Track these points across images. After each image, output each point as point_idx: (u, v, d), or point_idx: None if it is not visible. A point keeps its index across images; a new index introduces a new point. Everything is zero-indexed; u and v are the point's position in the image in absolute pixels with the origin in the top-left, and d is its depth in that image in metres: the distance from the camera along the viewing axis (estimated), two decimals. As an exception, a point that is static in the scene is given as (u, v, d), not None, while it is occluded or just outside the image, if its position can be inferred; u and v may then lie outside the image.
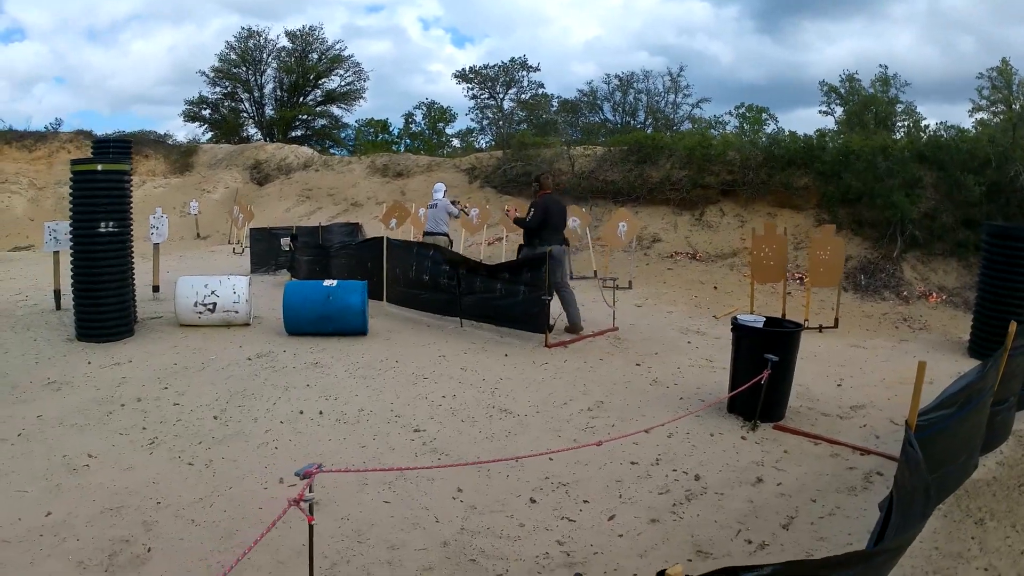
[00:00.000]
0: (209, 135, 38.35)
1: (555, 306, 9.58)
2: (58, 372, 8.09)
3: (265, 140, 35.92)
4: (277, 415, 6.68)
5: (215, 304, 10.28)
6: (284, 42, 40.06)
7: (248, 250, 19.94)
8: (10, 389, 7.45)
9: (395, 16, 72.28)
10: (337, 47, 40.28)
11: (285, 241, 16.66)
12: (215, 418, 6.59)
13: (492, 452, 5.85)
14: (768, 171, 17.40)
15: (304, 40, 39.86)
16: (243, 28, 45.25)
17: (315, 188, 27.44)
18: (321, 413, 6.71)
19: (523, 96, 38.52)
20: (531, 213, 10.02)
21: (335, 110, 41.26)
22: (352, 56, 40.68)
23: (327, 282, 10.10)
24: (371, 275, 11.58)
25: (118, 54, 71.05)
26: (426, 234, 13.43)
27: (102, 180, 9.53)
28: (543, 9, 75.38)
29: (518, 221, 10.50)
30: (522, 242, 10.45)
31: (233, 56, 39.65)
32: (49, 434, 6.23)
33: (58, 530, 4.51)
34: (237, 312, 10.32)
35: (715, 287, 14.23)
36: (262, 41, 39.69)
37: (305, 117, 40.45)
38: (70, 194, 9.68)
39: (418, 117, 45.22)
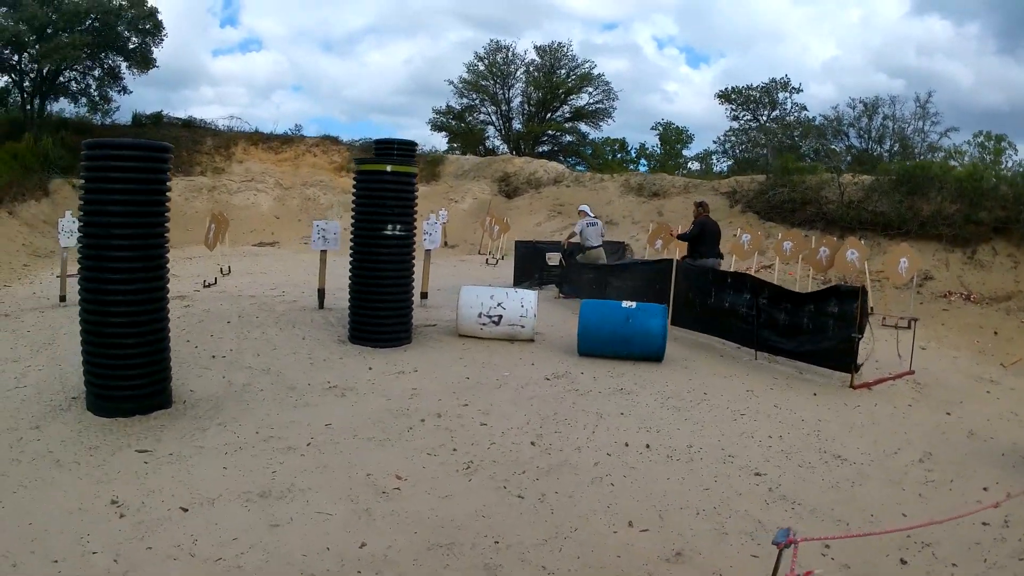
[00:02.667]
0: (450, 146, 39.25)
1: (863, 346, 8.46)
2: (337, 376, 7.66)
3: (511, 153, 36.20)
4: (600, 445, 6.01)
5: (500, 317, 9.62)
6: (532, 56, 40.48)
7: (500, 261, 19.85)
8: (287, 391, 7.02)
9: (630, 34, 71.59)
10: (586, 65, 40.14)
11: (552, 256, 16.10)
12: (532, 444, 5.96)
13: (840, 502, 5.21)
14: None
15: (552, 56, 39.98)
16: (491, 40, 46.10)
17: (567, 204, 26.95)
18: (648, 447, 6.01)
19: (786, 118, 36.29)
20: (690, 229, 12.04)
21: (583, 127, 41.19)
22: (602, 75, 40.31)
23: (626, 303, 9.21)
24: (657, 297, 10.82)
25: (355, 65, 75.63)
26: (592, 248, 13.88)
27: (390, 182, 9.08)
28: (780, 28, 71.72)
29: (680, 236, 12.70)
30: (684, 255, 12.14)
31: (481, 68, 40.53)
32: (344, 447, 5.72)
33: (379, 567, 4.01)
34: (523, 327, 9.68)
35: (995, 332, 13.01)
36: (510, 55, 40.28)
37: (553, 133, 40.57)
38: (354, 194, 9.34)
39: (654, 137, 44.11)
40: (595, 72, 39.72)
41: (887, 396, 8.04)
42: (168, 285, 6.47)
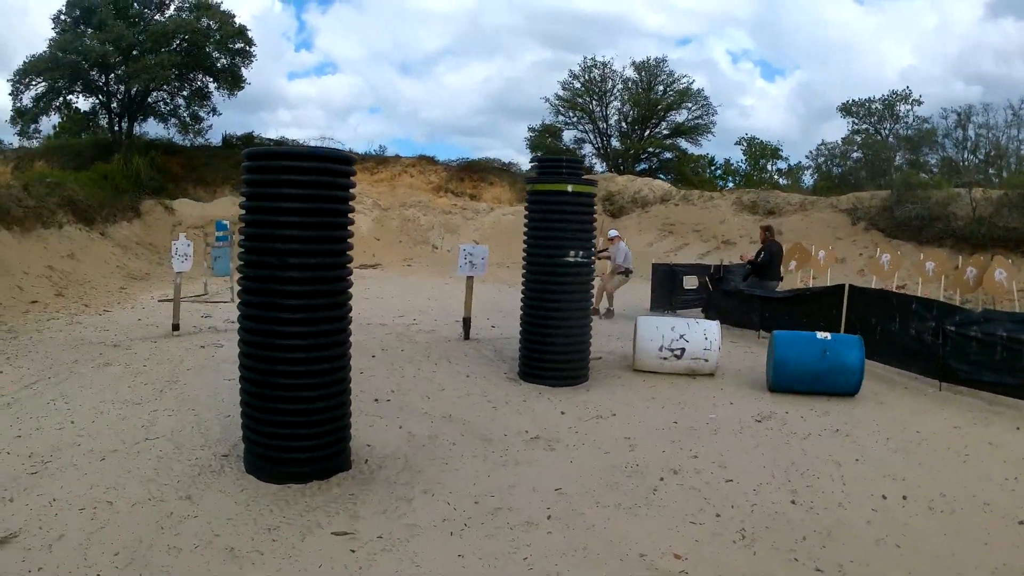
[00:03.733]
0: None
1: None
2: (531, 423, 6.57)
3: (610, 171, 34.98)
4: (858, 499, 5.21)
5: (683, 350, 8.54)
6: (629, 73, 39.18)
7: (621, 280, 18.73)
8: (484, 444, 5.92)
9: (704, 49, 69.62)
10: (684, 80, 38.69)
11: (690, 279, 14.87)
12: (793, 503, 5.09)
13: None
14: None
15: (650, 72, 38.65)
16: (586, 57, 44.93)
17: (677, 223, 25.64)
18: (905, 498, 5.27)
19: (907, 131, 34.18)
20: (761, 255, 12.31)
21: (682, 143, 39.61)
22: (701, 90, 38.87)
23: (820, 334, 8.23)
24: (829, 326, 9.74)
25: (433, 86, 75.62)
26: (625, 272, 13.71)
27: (572, 203, 7.96)
28: (854, 39, 69.04)
29: (751, 262, 12.60)
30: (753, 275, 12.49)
31: (577, 85, 39.41)
32: (592, 518, 4.66)
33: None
34: (707, 360, 8.63)
35: None
36: (607, 71, 39.07)
37: (653, 150, 39.18)
38: (528, 216, 8.23)
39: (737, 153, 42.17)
40: (693, 87, 38.30)
41: None
42: (350, 322, 5.41)
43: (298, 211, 4.84)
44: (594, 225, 8.23)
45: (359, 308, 13.38)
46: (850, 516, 4.88)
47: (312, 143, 30.59)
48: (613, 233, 14.37)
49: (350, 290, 5.29)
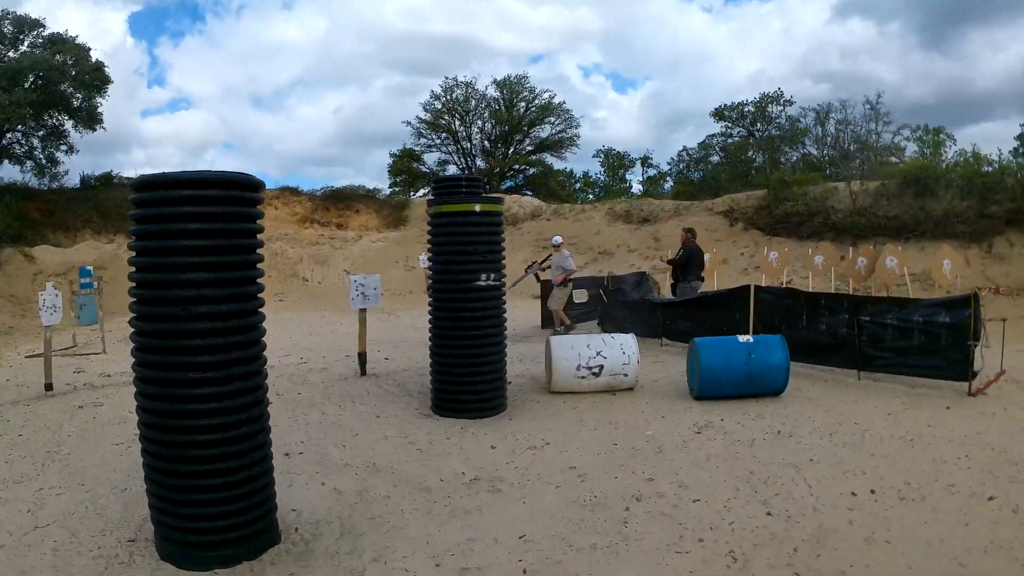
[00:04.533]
0: (405, 188, 37.48)
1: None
2: (465, 463, 6.06)
3: (479, 191, 34.69)
4: (830, 500, 5.16)
5: (601, 367, 8.29)
6: (491, 91, 39.21)
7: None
8: (422, 493, 5.35)
9: (555, 65, 70.97)
10: (546, 95, 39.06)
11: (580, 293, 14.70)
12: (769, 514, 4.91)
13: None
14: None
15: (511, 89, 38.77)
16: (447, 78, 44.46)
17: (550, 238, 25.67)
18: (873, 492, 5.26)
19: (775, 132, 35.50)
20: (680, 254, 12.42)
21: (548, 158, 39.84)
22: (563, 103, 39.22)
23: (742, 338, 8.27)
24: (734, 328, 9.82)
25: (284, 119, 73.90)
26: (569, 282, 13.43)
27: (479, 224, 7.53)
28: (703, 47, 72.39)
29: (671, 261, 12.71)
30: (672, 282, 12.70)
31: (438, 106, 39.07)
32: (571, 565, 4.23)
33: None
34: (626, 375, 8.45)
35: None
36: (469, 91, 38.92)
37: (519, 167, 39.19)
38: (432, 240, 7.75)
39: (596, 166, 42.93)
40: (555, 101, 38.69)
41: (1007, 399, 7.83)
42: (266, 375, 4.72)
43: (205, 249, 4.13)
44: (503, 245, 7.82)
45: (241, 352, 12.64)
46: (830, 519, 4.80)
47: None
48: (557, 240, 14.04)
49: (263, 339, 4.60)
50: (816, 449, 6.27)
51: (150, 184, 4.23)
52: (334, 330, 15.65)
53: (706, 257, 15.56)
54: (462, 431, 7.06)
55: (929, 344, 8.26)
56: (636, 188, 40.64)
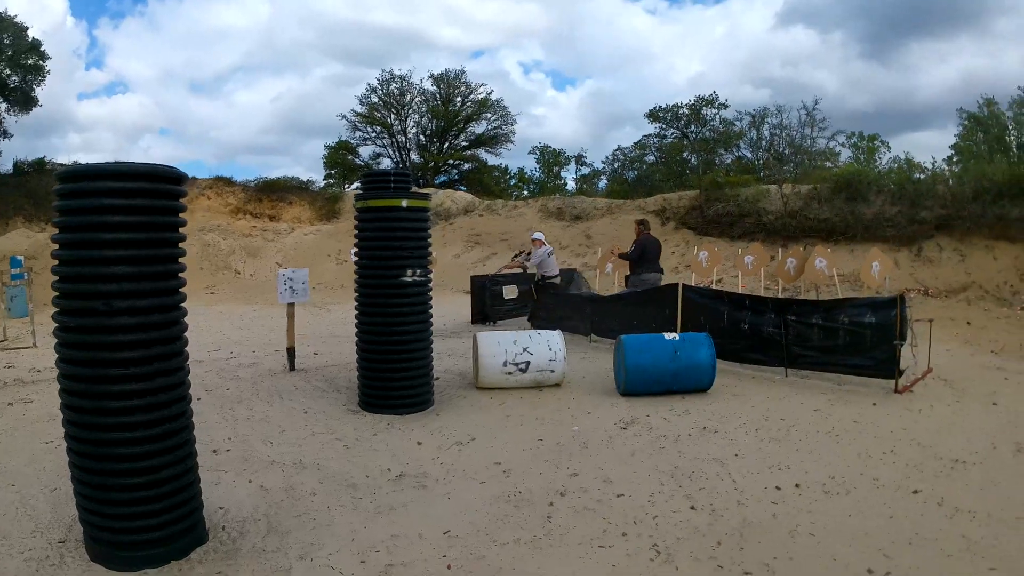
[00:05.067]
0: (338, 181, 37.11)
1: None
2: (391, 460, 6.05)
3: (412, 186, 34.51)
4: (755, 494, 5.24)
5: (528, 363, 8.39)
6: (428, 85, 39.08)
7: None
8: (348, 490, 5.35)
9: (496, 60, 71.26)
10: (482, 91, 39.08)
11: (510, 289, 14.80)
12: (692, 508, 5.03)
13: (997, 501, 4.99)
14: (982, 204, 17.22)
15: (449, 84, 38.71)
16: (384, 71, 44.10)
17: (483, 233, 25.75)
18: (798, 486, 5.38)
19: (710, 134, 36.10)
20: (632, 248, 12.35)
21: (483, 154, 39.95)
22: (500, 100, 39.27)
23: (668, 335, 8.43)
24: (662, 326, 10.04)
25: (222, 105, 72.46)
26: (549, 278, 13.64)
27: (407, 219, 7.53)
28: (645, 47, 73.55)
29: (622, 255, 12.76)
30: (627, 273, 12.65)
31: (374, 99, 38.77)
32: (495, 559, 4.29)
33: None
34: (553, 371, 8.53)
35: (968, 322, 13.60)
36: (405, 84, 38.71)
37: (453, 162, 39.14)
38: (359, 235, 7.74)
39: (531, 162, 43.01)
40: (492, 97, 38.73)
41: (933, 396, 8.02)
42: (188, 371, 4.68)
43: (127, 243, 4.06)
44: (430, 241, 7.86)
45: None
46: (754, 512, 4.88)
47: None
48: (537, 235, 14.00)
49: (185, 334, 4.55)
50: (741, 444, 6.41)
51: (72, 175, 4.16)
52: (265, 324, 15.43)
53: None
54: (388, 427, 7.07)
55: (856, 343, 8.47)
56: (571, 186, 40.97)
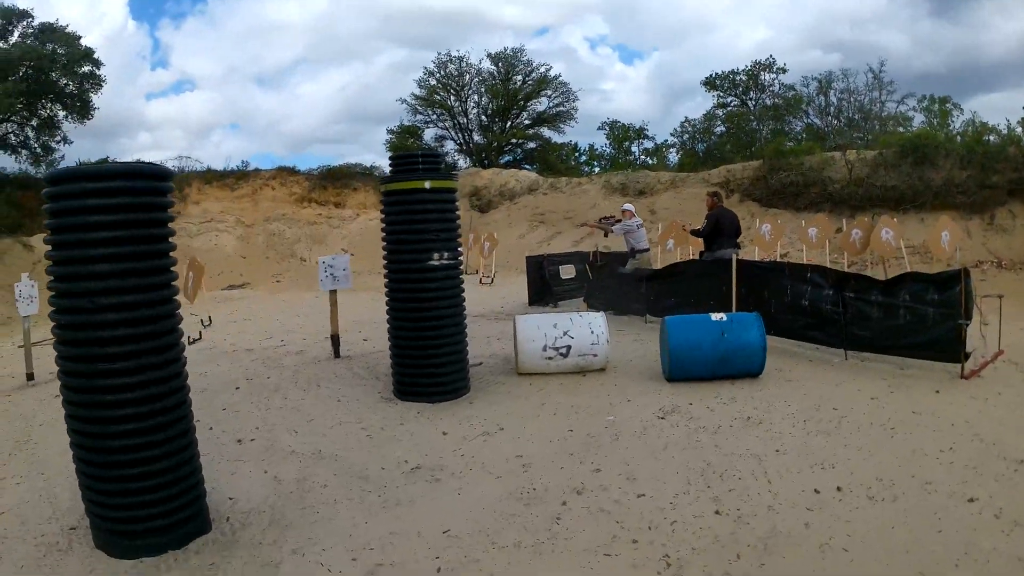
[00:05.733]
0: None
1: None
2: (411, 450, 5.93)
3: (475, 166, 34.50)
4: (789, 498, 4.73)
5: (569, 347, 8.05)
6: (486, 65, 38.84)
7: (494, 280, 19.19)
8: (360, 483, 5.26)
9: (561, 36, 70.06)
10: (542, 68, 38.56)
11: (567, 268, 14.53)
12: (717, 513, 4.55)
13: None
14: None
15: (507, 62, 38.37)
16: (440, 53, 43.77)
17: (547, 212, 25.48)
18: (839, 489, 4.81)
19: (773, 101, 34.90)
20: (705, 223, 11.35)
21: (545, 132, 39.51)
22: (559, 76, 38.70)
23: (715, 316, 7.87)
24: (721, 304, 9.58)
25: (288, 98, 73.39)
26: (643, 252, 12.72)
27: (431, 201, 7.34)
28: (709, 16, 70.98)
29: (694, 232, 11.93)
30: (702, 249, 11.73)
31: (433, 82, 38.73)
32: (488, 564, 4.05)
33: None
34: (596, 355, 8.16)
35: None
36: (463, 65, 38.54)
37: (517, 141, 38.87)
38: (384, 220, 7.64)
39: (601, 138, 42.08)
40: (551, 74, 38.21)
41: (1003, 382, 7.20)
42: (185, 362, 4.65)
43: (108, 241, 4.07)
44: (458, 223, 7.65)
45: (224, 334, 12.63)
46: (785, 520, 4.42)
47: (171, 164, 28.86)
48: (627, 206, 13.35)
49: (180, 325, 4.54)
50: (785, 438, 5.87)
51: (55, 178, 4.21)
52: (324, 311, 15.49)
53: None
54: (417, 416, 6.95)
55: (917, 323, 7.75)
56: (644, 160, 40.16)
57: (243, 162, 30.98)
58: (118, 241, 4.08)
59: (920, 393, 6.92)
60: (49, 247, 4.21)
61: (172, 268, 4.44)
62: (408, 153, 7.94)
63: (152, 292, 4.24)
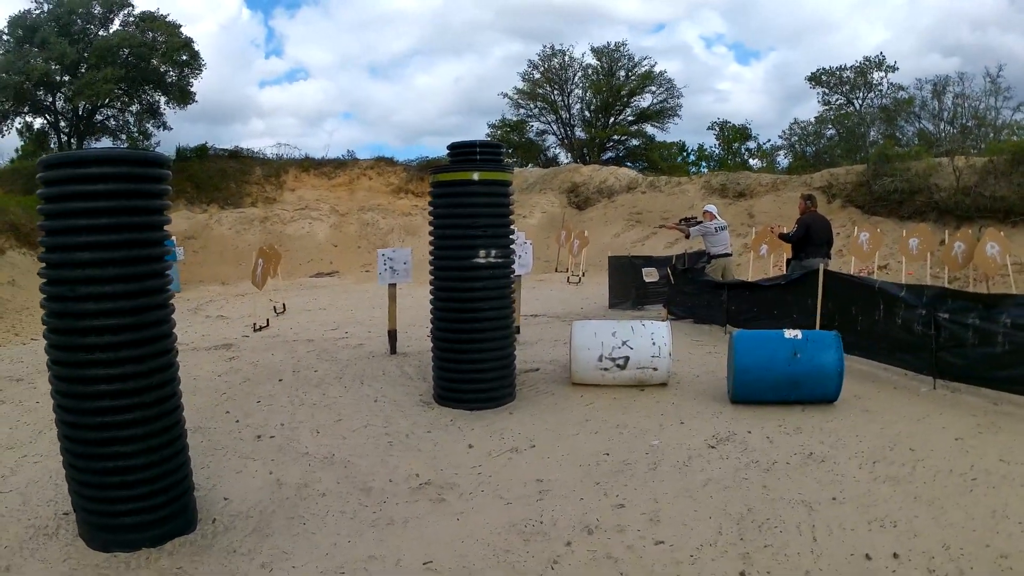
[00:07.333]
0: (508, 160, 36.80)
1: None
2: (427, 463, 5.53)
3: (575, 162, 33.97)
4: (833, 563, 3.89)
5: (627, 359, 7.43)
6: (589, 60, 38.17)
7: (582, 279, 18.77)
8: (360, 495, 4.93)
9: (676, 33, 68.58)
10: (645, 63, 37.66)
11: (650, 272, 13.85)
12: (741, 575, 3.79)
13: None
14: None
15: (610, 57, 37.56)
16: (545, 46, 43.31)
17: (644, 211, 24.74)
18: (896, 557, 3.92)
19: (882, 100, 33.09)
20: (795, 228, 10.70)
21: (649, 129, 38.67)
22: (664, 72, 37.71)
23: (789, 333, 7.02)
24: (805, 319, 8.89)
25: (403, 88, 74.24)
26: (721, 256, 12.08)
27: (480, 194, 6.89)
28: (828, 16, 68.20)
29: (783, 236, 11.26)
30: (790, 256, 10.98)
31: (536, 76, 38.32)
32: None
33: None
34: (656, 369, 7.49)
35: None
36: (566, 60, 38.00)
37: (619, 137, 38.16)
38: (431, 212, 7.24)
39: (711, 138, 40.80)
40: (656, 70, 37.28)
41: None
42: (176, 356, 4.47)
43: (88, 228, 3.91)
44: (510, 219, 7.21)
45: (293, 322, 12.62)
46: None
47: (270, 151, 29.70)
48: (710, 208, 12.65)
49: (172, 317, 4.36)
50: (847, 483, 5.02)
51: (48, 164, 4.07)
52: (401, 303, 15.43)
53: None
54: (449, 424, 6.57)
55: (1017, 352, 6.71)
56: (753, 163, 38.74)
57: (348, 151, 31.36)
58: (98, 229, 3.91)
59: (1012, 436, 5.86)
60: (43, 233, 4.10)
61: (163, 258, 4.26)
62: (465, 143, 7.50)
63: (134, 282, 4.04)
